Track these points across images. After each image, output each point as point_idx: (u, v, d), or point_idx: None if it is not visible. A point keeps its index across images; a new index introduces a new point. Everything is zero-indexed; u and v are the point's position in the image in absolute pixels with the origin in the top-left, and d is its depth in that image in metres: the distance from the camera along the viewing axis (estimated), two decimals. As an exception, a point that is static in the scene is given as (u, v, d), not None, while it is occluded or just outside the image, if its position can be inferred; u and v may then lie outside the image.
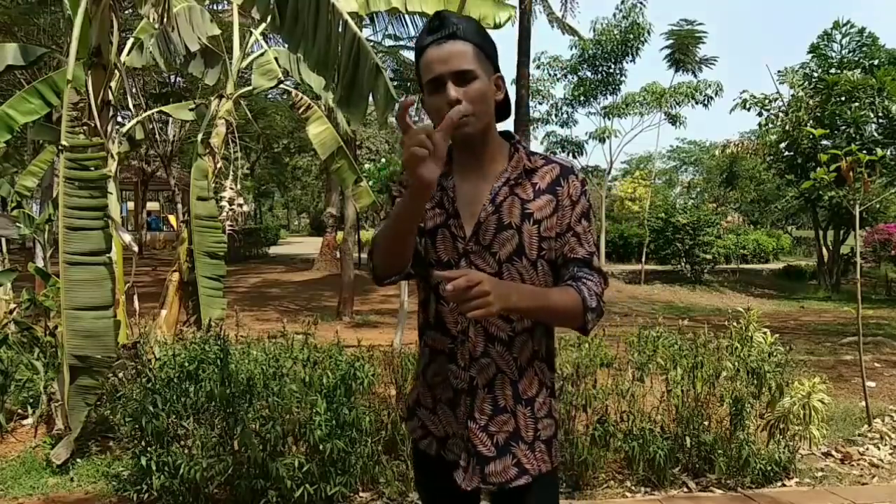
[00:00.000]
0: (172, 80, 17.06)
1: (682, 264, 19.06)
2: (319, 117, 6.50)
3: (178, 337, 4.83)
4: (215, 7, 9.13)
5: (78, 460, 3.88)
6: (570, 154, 24.14)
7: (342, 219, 13.72)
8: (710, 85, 20.96)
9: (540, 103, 22.86)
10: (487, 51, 1.45)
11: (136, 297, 5.51)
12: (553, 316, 1.44)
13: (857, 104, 15.61)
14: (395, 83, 13.81)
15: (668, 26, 23.23)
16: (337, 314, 11.06)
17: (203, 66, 6.35)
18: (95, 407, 4.02)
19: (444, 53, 1.40)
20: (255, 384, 3.37)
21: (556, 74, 22.58)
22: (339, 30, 4.20)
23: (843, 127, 15.79)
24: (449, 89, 1.38)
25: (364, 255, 15.76)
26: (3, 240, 7.03)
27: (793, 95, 17.24)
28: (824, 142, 15.52)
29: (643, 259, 19.45)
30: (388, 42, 15.39)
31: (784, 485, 3.78)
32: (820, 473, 3.97)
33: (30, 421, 4.40)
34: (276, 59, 6.24)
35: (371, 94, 4.38)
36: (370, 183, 7.27)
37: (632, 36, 20.08)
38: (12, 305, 4.94)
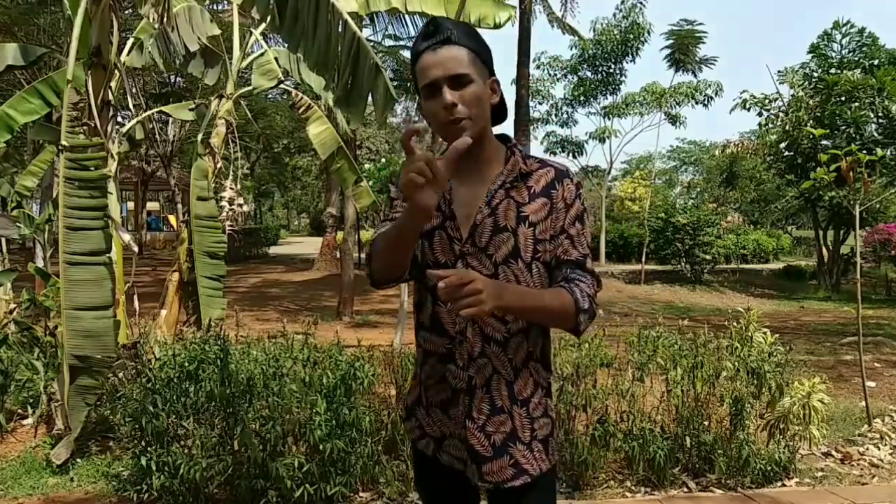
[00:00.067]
0: (172, 80, 17.07)
1: (682, 264, 19.05)
2: (319, 117, 6.50)
3: (178, 337, 4.83)
4: (215, 7, 9.11)
5: (78, 460, 3.88)
6: (570, 154, 24.22)
7: (342, 219, 13.71)
8: (710, 85, 21.03)
9: (540, 103, 22.93)
10: (482, 55, 1.46)
11: (136, 297, 5.51)
12: (546, 316, 1.45)
13: (857, 104, 15.61)
14: (395, 83, 13.81)
15: (668, 26, 23.31)
16: (337, 314, 11.06)
17: (203, 66, 6.35)
18: (95, 407, 4.02)
19: (440, 58, 1.41)
20: (255, 384, 3.37)
21: (556, 74, 22.66)
22: (339, 29, 4.21)
23: (843, 127, 15.79)
24: (444, 93, 1.40)
25: (364, 255, 15.74)
26: (3, 240, 7.02)
27: (793, 95, 17.23)
28: (824, 142, 15.52)
29: (643, 259, 19.44)
30: (388, 42, 15.41)
31: (784, 485, 3.78)
32: (820, 473, 3.97)
33: (30, 421, 4.40)
34: (276, 59, 6.24)
35: (371, 94, 4.38)
36: (370, 183, 7.28)
37: (632, 36, 20.15)
38: (12, 305, 4.94)
